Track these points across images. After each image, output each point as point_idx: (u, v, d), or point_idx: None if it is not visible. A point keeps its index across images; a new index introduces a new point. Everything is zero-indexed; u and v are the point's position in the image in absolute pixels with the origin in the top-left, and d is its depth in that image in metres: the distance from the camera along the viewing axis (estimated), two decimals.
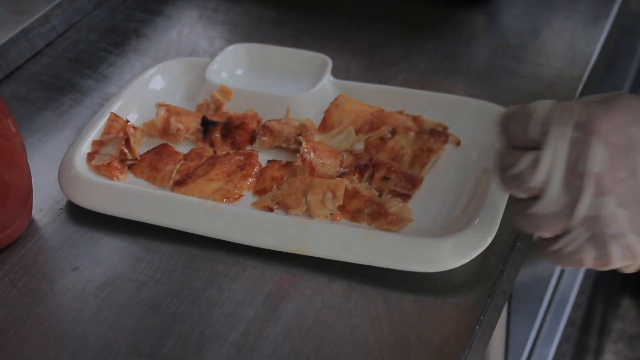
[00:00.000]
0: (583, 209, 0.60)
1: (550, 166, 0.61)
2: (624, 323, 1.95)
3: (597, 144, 0.60)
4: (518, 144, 0.63)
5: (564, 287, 1.37)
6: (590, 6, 1.09)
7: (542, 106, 0.62)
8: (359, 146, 0.86)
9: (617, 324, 1.94)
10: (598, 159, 0.60)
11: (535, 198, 0.62)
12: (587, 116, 0.60)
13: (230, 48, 0.96)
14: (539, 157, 0.61)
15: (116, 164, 0.83)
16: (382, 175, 0.81)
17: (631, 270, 0.64)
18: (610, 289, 1.81)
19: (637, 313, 1.96)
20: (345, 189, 0.79)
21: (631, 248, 0.61)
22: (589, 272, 1.47)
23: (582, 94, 0.95)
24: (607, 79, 1.61)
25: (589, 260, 0.62)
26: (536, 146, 0.62)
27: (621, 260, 0.62)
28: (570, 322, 1.41)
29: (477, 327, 0.71)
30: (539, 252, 0.65)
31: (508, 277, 0.77)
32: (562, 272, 1.38)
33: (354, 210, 0.79)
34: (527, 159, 0.62)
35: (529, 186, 0.62)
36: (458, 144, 0.85)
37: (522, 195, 0.63)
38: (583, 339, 1.61)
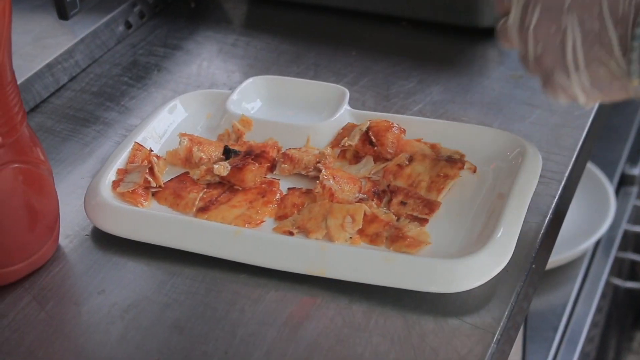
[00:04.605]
0: (532, 21, 0.77)
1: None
2: (639, 357, 1.95)
3: None
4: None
5: (577, 318, 1.38)
6: None
7: None
8: (377, 173, 0.88)
9: (631, 358, 1.94)
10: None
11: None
12: None
13: (250, 80, 0.98)
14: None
15: (140, 191, 0.85)
16: (399, 200, 0.83)
17: (588, 105, 0.78)
18: (623, 323, 1.81)
19: None
20: (364, 214, 0.81)
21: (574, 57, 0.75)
22: (601, 305, 1.48)
23: (594, 120, 0.97)
24: (619, 105, 1.63)
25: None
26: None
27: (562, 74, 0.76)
28: (583, 356, 1.42)
29: (495, 345, 0.72)
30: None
31: (525, 297, 0.78)
32: (575, 302, 1.39)
33: (373, 234, 0.80)
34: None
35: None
36: (474, 171, 0.87)
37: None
38: None
